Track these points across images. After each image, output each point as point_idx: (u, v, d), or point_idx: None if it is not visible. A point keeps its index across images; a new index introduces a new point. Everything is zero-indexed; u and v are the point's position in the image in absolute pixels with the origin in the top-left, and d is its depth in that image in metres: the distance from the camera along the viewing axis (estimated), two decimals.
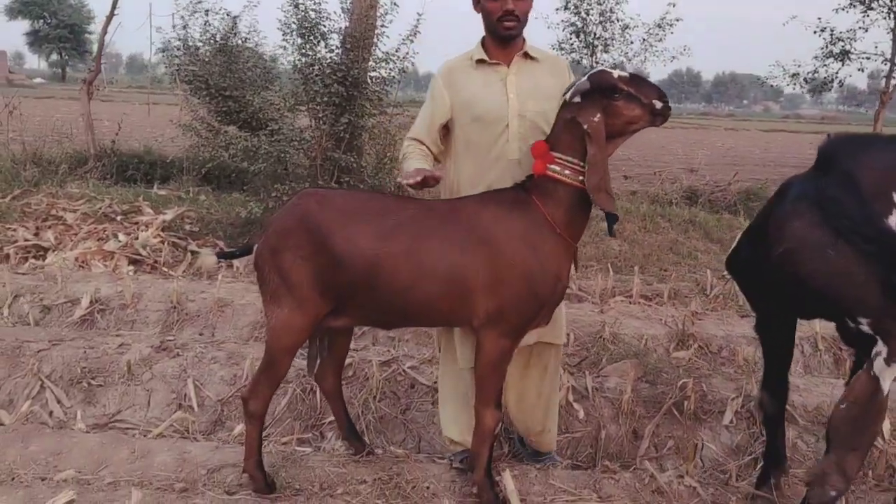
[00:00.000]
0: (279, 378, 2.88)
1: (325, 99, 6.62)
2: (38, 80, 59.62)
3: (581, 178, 2.63)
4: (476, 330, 2.72)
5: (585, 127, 2.57)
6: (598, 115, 2.57)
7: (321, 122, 6.76)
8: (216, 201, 8.15)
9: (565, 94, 2.69)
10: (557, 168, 2.65)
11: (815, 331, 4.91)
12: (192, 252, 6.76)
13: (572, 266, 2.80)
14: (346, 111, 6.69)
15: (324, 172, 6.78)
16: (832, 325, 5.15)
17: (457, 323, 2.81)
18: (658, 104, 2.59)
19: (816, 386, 4.07)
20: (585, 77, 2.65)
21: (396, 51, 6.95)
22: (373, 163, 6.99)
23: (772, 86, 16.63)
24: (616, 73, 2.62)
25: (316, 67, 6.67)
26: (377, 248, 2.62)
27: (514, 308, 2.64)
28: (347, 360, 4.03)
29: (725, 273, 6.78)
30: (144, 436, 3.50)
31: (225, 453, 3.16)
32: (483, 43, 3.03)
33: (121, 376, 3.99)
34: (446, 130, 3.04)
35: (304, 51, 6.69)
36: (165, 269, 6.26)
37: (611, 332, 4.88)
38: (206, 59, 7.46)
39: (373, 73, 6.93)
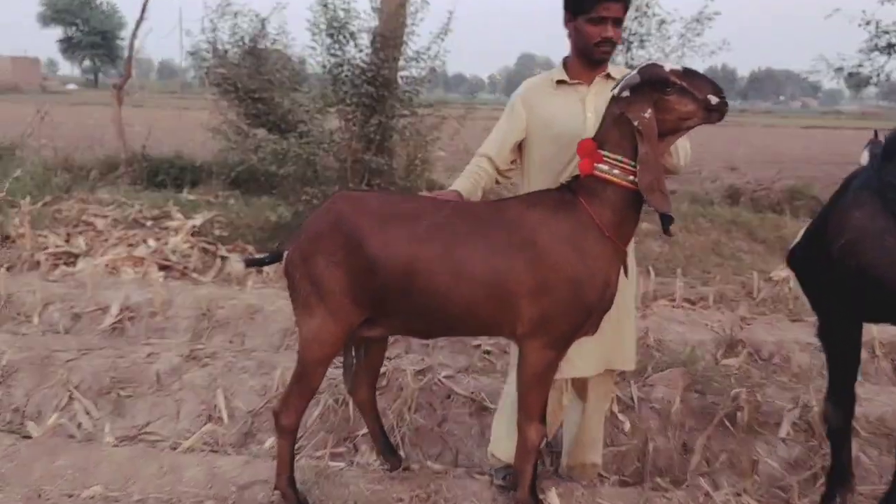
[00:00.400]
0: (312, 391, 2.74)
1: (355, 100, 6.50)
2: (72, 86, 60.66)
3: (631, 177, 2.45)
4: (519, 339, 2.56)
5: (636, 123, 2.39)
6: (650, 111, 2.39)
7: (351, 123, 6.64)
8: (246, 205, 8.07)
9: (613, 88, 2.52)
10: (605, 167, 2.47)
11: (872, 335, 4.66)
12: (222, 257, 6.68)
13: (622, 271, 2.61)
14: (376, 112, 6.56)
15: (354, 175, 6.65)
16: (891, 329, 4.91)
17: (499, 332, 2.65)
18: (714, 99, 2.39)
19: (878, 395, 3.83)
20: (636, 71, 2.47)
21: (427, 49, 6.80)
22: (404, 165, 6.84)
23: (810, 82, 16.21)
24: (668, 65, 2.44)
25: (345, 68, 6.55)
26: (413, 252, 2.47)
27: (560, 316, 2.47)
28: (382, 370, 3.90)
29: (772, 275, 6.57)
30: (174, 449, 3.38)
31: (256, 468, 3.02)
32: (565, 63, 2.93)
33: (150, 386, 3.88)
34: (520, 150, 2.96)
35: (333, 51, 6.57)
36: (195, 275, 6.17)
37: (655, 339, 4.68)
38: (235, 62, 7.37)
39: (403, 73, 6.78)
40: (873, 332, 4.67)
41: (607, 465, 3.48)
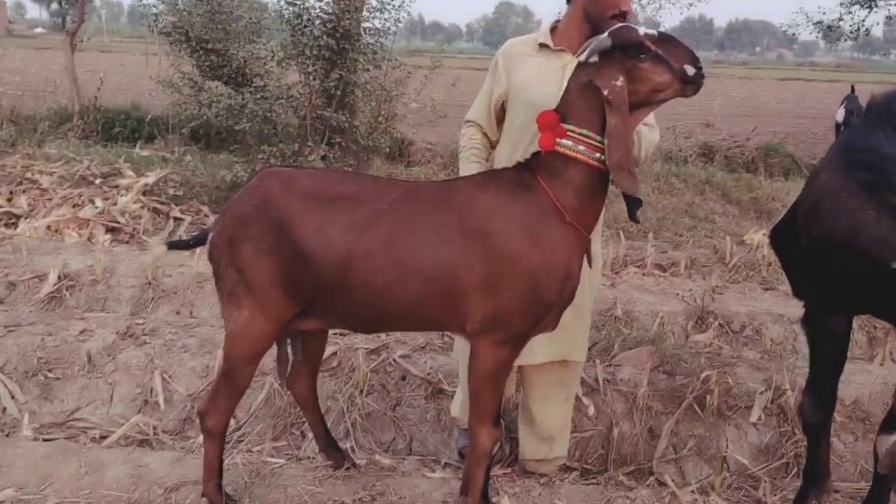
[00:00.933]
0: (240, 390, 2.48)
1: (315, 52, 6.12)
2: (39, 29, 58.54)
3: (598, 155, 2.18)
4: (469, 336, 2.30)
5: (606, 92, 2.11)
6: (621, 79, 2.12)
7: (311, 77, 6.28)
8: (202, 163, 7.68)
9: (580, 54, 2.23)
10: (569, 143, 2.19)
11: None
12: (175, 219, 6.35)
13: (585, 261, 2.36)
14: (336, 66, 6.20)
15: (314, 132, 6.33)
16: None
17: (448, 328, 2.39)
18: (690, 70, 2.13)
19: (853, 374, 3.64)
20: (606, 34, 2.18)
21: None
22: (367, 122, 6.51)
23: (787, 34, 15.91)
24: (642, 29, 2.15)
25: (304, 18, 6.15)
26: (351, 242, 2.19)
27: (515, 312, 2.21)
28: (331, 349, 3.65)
29: (745, 239, 6.38)
30: (102, 439, 3.13)
31: (186, 466, 2.77)
32: (553, 28, 2.69)
33: (81, 368, 3.60)
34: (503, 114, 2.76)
35: None
36: (144, 238, 5.85)
37: (623, 311, 4.47)
38: (187, 10, 6.91)
39: (366, 24, 6.40)
40: None
41: (570, 451, 3.27)
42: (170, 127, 8.89)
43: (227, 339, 2.39)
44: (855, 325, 4.52)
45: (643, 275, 5.30)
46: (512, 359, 2.35)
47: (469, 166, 2.72)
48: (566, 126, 2.20)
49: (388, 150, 6.78)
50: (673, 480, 3.04)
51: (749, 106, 19.44)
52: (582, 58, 2.22)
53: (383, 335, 3.90)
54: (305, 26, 6.14)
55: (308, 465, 2.86)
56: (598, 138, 2.19)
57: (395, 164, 7.67)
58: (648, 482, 2.90)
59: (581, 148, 2.19)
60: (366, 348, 3.68)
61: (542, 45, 2.66)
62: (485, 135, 2.79)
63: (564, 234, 2.21)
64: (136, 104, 10.14)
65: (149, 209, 6.39)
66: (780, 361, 3.79)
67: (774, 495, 2.88)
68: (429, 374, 3.55)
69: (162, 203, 6.55)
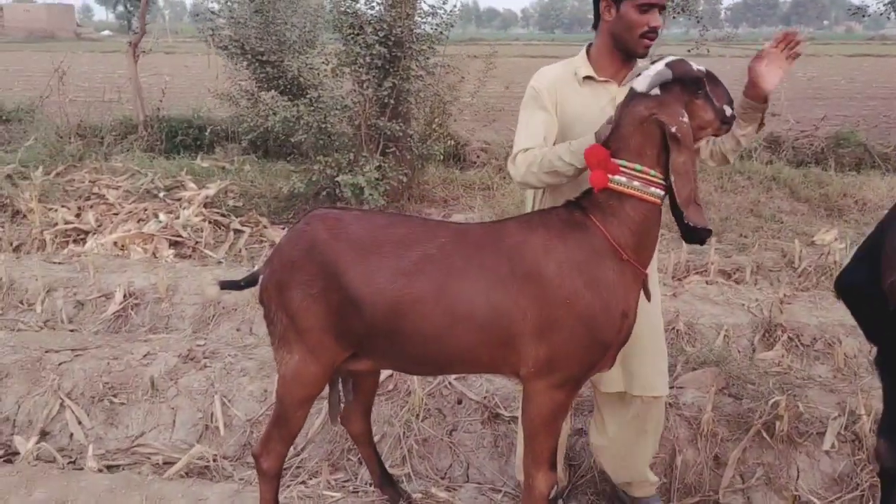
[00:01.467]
0: (294, 433, 2.48)
1: (368, 61, 6.11)
2: (106, 32, 60.43)
3: (653, 189, 2.11)
4: (523, 380, 2.24)
5: (674, 130, 2.04)
6: (685, 114, 2.06)
7: (364, 86, 6.27)
8: (261, 173, 7.77)
9: (627, 81, 2.15)
10: (623, 179, 2.12)
11: None
12: (235, 231, 6.45)
13: (642, 296, 2.27)
14: (390, 74, 6.18)
15: (368, 141, 6.32)
16: None
17: (501, 372, 2.34)
18: (728, 111, 2.11)
19: None
20: (662, 63, 2.09)
21: (444, 3, 6.35)
22: (421, 130, 6.47)
23: (856, 4, 15.01)
24: (696, 66, 2.11)
25: (356, 26, 6.14)
26: (400, 288, 2.16)
27: (571, 355, 2.15)
28: (387, 373, 3.64)
29: (815, 239, 6.12)
30: (162, 470, 3.18)
31: (245, 500, 2.80)
32: (589, 54, 2.53)
33: (144, 392, 3.67)
34: None
35: (342, 7, 6.16)
36: (207, 252, 5.96)
37: (685, 324, 4.33)
38: (243, 22, 7.00)
39: (418, 31, 6.35)
40: None
41: None
42: (229, 136, 9.03)
43: (280, 383, 2.39)
44: None
45: (706, 283, 5.13)
46: (569, 401, 2.29)
47: (553, 149, 2.38)
48: (618, 161, 2.12)
49: (441, 156, 6.74)
50: None
51: (816, 87, 18.73)
52: (638, 87, 2.12)
53: None
54: (358, 34, 6.13)
55: (365, 500, 2.85)
56: (653, 172, 2.11)
57: (449, 168, 7.62)
58: None
59: (636, 184, 2.12)
60: None
61: (587, 78, 2.50)
62: None
63: (621, 273, 2.14)
64: (197, 111, 10.30)
65: (210, 222, 6.50)
66: (855, 381, 3.62)
67: None
68: (485, 397, 3.50)
69: (222, 215, 6.65)
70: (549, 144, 2.45)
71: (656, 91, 2.07)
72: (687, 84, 2.07)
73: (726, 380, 3.57)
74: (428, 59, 6.41)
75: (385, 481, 2.82)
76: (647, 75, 2.11)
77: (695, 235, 2.12)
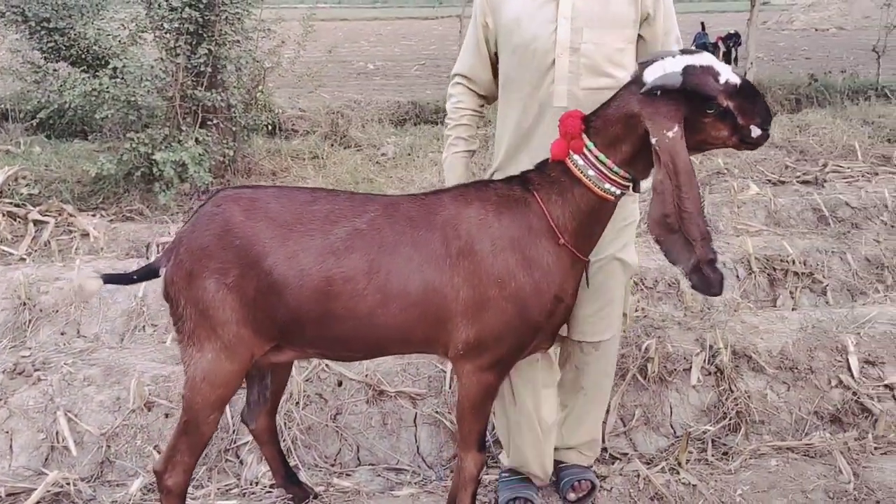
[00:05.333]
0: (205, 441, 2.22)
1: (177, 26, 5.56)
2: None
3: (607, 185, 1.99)
4: (452, 361, 2.15)
5: (654, 141, 1.86)
6: (676, 129, 1.85)
7: (173, 53, 5.71)
8: (55, 155, 6.90)
9: (646, 63, 1.93)
10: (581, 162, 2.00)
11: (747, 252, 4.66)
12: (36, 222, 5.69)
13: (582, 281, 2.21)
14: (204, 39, 5.68)
15: (186, 114, 5.80)
16: (764, 243, 4.93)
17: (434, 351, 2.21)
18: (755, 132, 1.89)
19: (773, 323, 3.78)
20: (681, 63, 1.85)
21: None
22: (243, 100, 6.03)
23: None
24: (724, 77, 1.86)
25: None
26: (329, 268, 1.97)
27: (500, 336, 2.07)
28: None
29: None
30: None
31: None
32: None
33: None
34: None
35: None
36: (5, 249, 5.21)
37: None
38: None
39: None
40: (748, 247, 4.67)
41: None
42: (9, 115, 7.93)
43: (188, 386, 2.12)
44: (755, 268, 4.74)
45: None
46: (498, 383, 2.21)
47: (453, 160, 2.46)
48: (586, 142, 1.99)
49: (270, 127, 6.36)
50: (627, 454, 3.07)
51: None
52: (645, 77, 1.89)
53: None
54: None
55: (266, 501, 2.62)
56: (616, 169, 1.98)
57: (273, 139, 7.23)
58: (621, 468, 2.87)
59: (591, 173, 1.99)
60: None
61: None
62: (475, 93, 2.49)
63: (557, 257, 2.05)
64: None
65: (2, 214, 5.68)
66: (706, 317, 3.88)
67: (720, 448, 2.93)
68: (367, 376, 3.35)
69: (17, 206, 5.83)
70: (480, 64, 2.44)
71: (657, 92, 1.87)
72: (695, 97, 1.85)
73: None
74: (243, 23, 5.96)
75: (290, 480, 2.61)
76: (660, 68, 1.87)
77: (694, 280, 1.89)
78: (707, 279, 1.88)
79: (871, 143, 6.83)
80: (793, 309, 4.18)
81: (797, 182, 6.06)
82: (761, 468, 2.87)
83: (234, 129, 5.94)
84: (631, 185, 2.04)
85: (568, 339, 2.55)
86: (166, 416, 3.19)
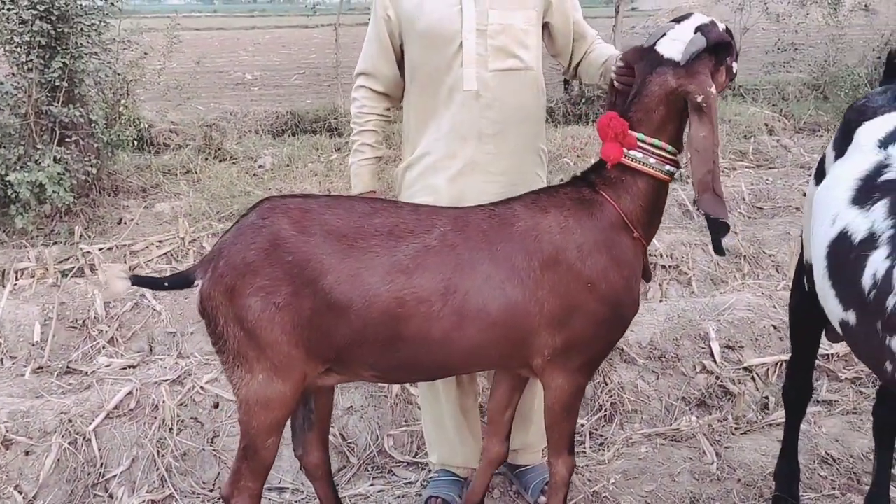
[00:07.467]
0: (268, 465, 2.08)
1: (28, 39, 5.25)
2: None
3: (668, 167, 2.06)
4: (538, 370, 2.10)
5: (700, 99, 1.94)
6: (712, 83, 1.97)
7: (25, 68, 5.38)
8: None
9: (656, 43, 2.03)
10: (640, 155, 2.04)
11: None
12: None
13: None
14: (58, 53, 5.38)
15: (41, 131, 5.48)
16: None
17: (509, 367, 2.20)
18: (735, 67, 2.09)
19: (641, 315, 3.90)
20: (692, 27, 2.00)
21: None
22: (105, 114, 5.76)
23: None
24: (721, 24, 2.04)
25: (6, 1, 5.24)
26: (400, 288, 1.88)
27: (592, 338, 2.07)
28: (125, 388, 3.22)
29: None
30: None
31: None
32: None
33: None
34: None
35: None
36: None
37: None
38: None
39: (84, 3, 5.61)
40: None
41: (403, 446, 3.23)
42: None
43: (242, 409, 2.00)
44: None
45: None
46: (587, 383, 2.21)
47: (359, 168, 2.42)
48: (636, 135, 2.03)
49: (135, 142, 6.08)
50: None
51: None
52: (667, 54, 2.01)
53: (181, 360, 3.53)
54: (10, 9, 5.23)
55: None
56: (670, 148, 2.06)
57: (141, 154, 6.94)
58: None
59: (652, 161, 2.04)
60: (165, 380, 3.30)
61: None
62: (379, 94, 2.45)
63: (635, 251, 2.09)
64: None
65: None
66: None
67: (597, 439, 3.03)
68: None
69: None
70: (383, 58, 2.40)
71: (688, 60, 1.97)
72: (718, 52, 2.00)
73: None
74: (101, 34, 5.69)
75: None
76: (678, 40, 2.01)
77: (712, 227, 2.04)
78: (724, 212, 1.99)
79: (728, 140, 7.25)
80: (661, 301, 4.37)
81: None
82: (633, 456, 3.00)
83: (96, 145, 5.66)
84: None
85: None
86: (26, 453, 2.99)
